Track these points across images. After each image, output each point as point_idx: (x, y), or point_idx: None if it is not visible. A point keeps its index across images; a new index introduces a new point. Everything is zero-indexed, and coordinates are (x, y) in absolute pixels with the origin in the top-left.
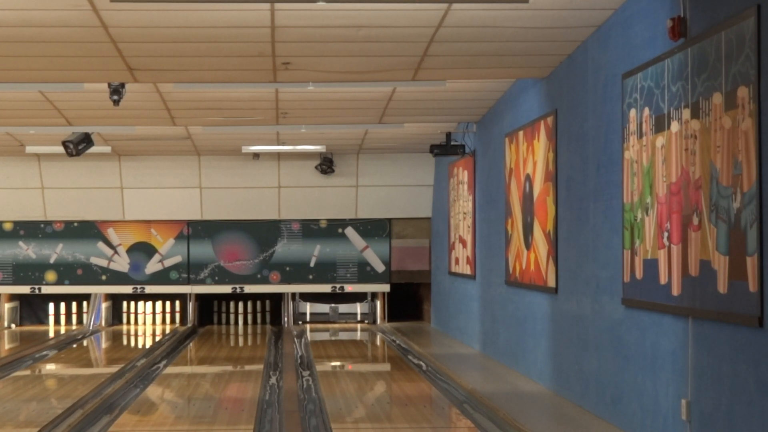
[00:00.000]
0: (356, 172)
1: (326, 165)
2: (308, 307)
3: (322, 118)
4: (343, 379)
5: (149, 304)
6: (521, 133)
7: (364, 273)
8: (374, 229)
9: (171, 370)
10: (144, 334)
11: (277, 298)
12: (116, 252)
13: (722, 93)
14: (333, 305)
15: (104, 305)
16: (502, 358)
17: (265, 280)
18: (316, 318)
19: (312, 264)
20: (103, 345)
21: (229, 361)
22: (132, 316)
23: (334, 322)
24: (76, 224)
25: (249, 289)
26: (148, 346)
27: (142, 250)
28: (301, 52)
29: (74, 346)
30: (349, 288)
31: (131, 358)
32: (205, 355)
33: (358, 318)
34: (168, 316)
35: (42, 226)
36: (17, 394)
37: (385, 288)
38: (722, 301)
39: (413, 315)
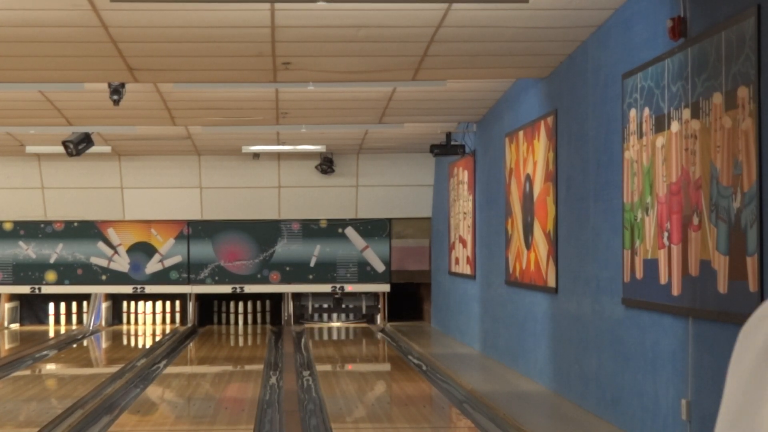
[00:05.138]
0: (356, 172)
1: (326, 165)
2: (310, 300)
3: (322, 118)
4: (343, 379)
5: (149, 304)
6: (521, 133)
7: (364, 273)
8: (374, 229)
9: (171, 370)
10: (144, 334)
11: (277, 298)
12: (116, 252)
13: (722, 93)
14: (337, 297)
15: (104, 305)
16: (502, 358)
17: (265, 280)
18: (319, 311)
19: (312, 264)
20: (103, 345)
21: (229, 361)
22: (132, 316)
23: (336, 312)
24: (76, 224)
25: (249, 289)
26: (148, 346)
27: (142, 250)
28: (301, 52)
29: (74, 346)
30: (349, 288)
31: (131, 358)
32: (205, 355)
33: (363, 311)
34: (168, 316)
35: (42, 226)
36: (17, 394)
37: (385, 288)
38: (722, 301)
39: (413, 315)
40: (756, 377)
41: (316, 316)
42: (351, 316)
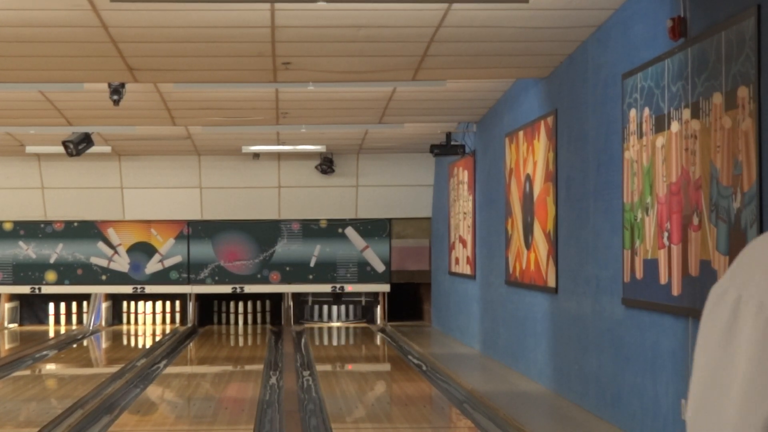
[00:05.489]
0: (356, 172)
1: (326, 165)
2: (310, 296)
3: (322, 118)
4: (343, 379)
5: (149, 304)
6: (521, 133)
7: (364, 273)
8: (374, 229)
9: (171, 370)
10: (144, 334)
11: (277, 298)
12: (116, 252)
13: (722, 93)
14: (337, 289)
15: (104, 305)
16: (502, 358)
17: (265, 280)
18: (319, 302)
19: (312, 264)
20: (103, 345)
21: (229, 361)
22: (132, 316)
23: (336, 304)
24: (76, 224)
25: (249, 289)
26: (148, 346)
27: (142, 250)
28: (301, 52)
29: (74, 346)
30: (349, 288)
31: (131, 358)
32: (205, 355)
33: (363, 303)
34: (168, 316)
35: (42, 226)
36: (17, 394)
37: (385, 288)
38: None
39: (413, 315)
40: (723, 349)
41: (316, 309)
42: (351, 308)
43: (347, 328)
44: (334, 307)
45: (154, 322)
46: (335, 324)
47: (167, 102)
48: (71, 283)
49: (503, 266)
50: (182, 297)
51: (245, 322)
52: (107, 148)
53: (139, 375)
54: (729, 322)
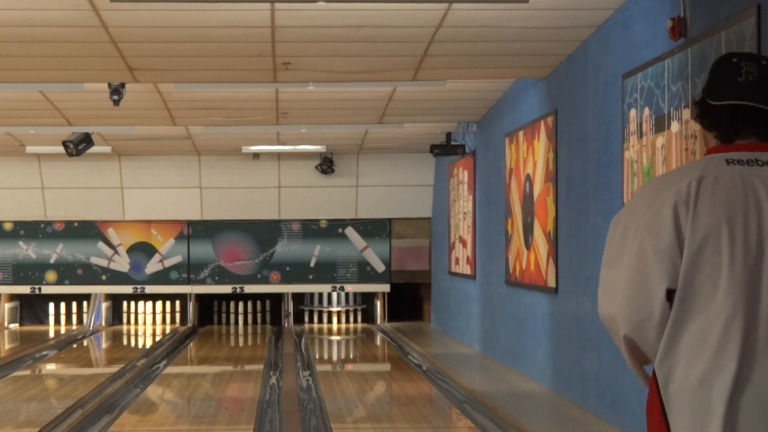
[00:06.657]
0: (356, 172)
1: (326, 165)
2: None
3: (322, 118)
4: (343, 379)
5: (149, 304)
6: (521, 133)
7: (364, 273)
8: (374, 229)
9: (171, 370)
10: (144, 334)
11: (277, 298)
12: (116, 252)
13: None
14: (337, 290)
15: (104, 305)
16: (502, 358)
17: (265, 280)
18: (319, 297)
19: (312, 264)
20: (103, 345)
21: (229, 361)
22: (132, 316)
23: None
24: (76, 224)
25: (249, 289)
26: (148, 346)
27: (142, 250)
28: (301, 52)
29: (74, 346)
30: (349, 288)
31: (131, 358)
32: (205, 355)
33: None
34: (168, 316)
35: (42, 226)
36: (17, 394)
37: (385, 288)
38: None
39: (413, 315)
40: (616, 258)
41: (316, 295)
42: (350, 291)
43: (347, 328)
44: (334, 293)
45: (154, 322)
46: (335, 309)
47: (167, 102)
48: (71, 283)
49: (503, 266)
50: (182, 297)
51: (245, 322)
52: (107, 148)
53: (139, 375)
54: (620, 241)
